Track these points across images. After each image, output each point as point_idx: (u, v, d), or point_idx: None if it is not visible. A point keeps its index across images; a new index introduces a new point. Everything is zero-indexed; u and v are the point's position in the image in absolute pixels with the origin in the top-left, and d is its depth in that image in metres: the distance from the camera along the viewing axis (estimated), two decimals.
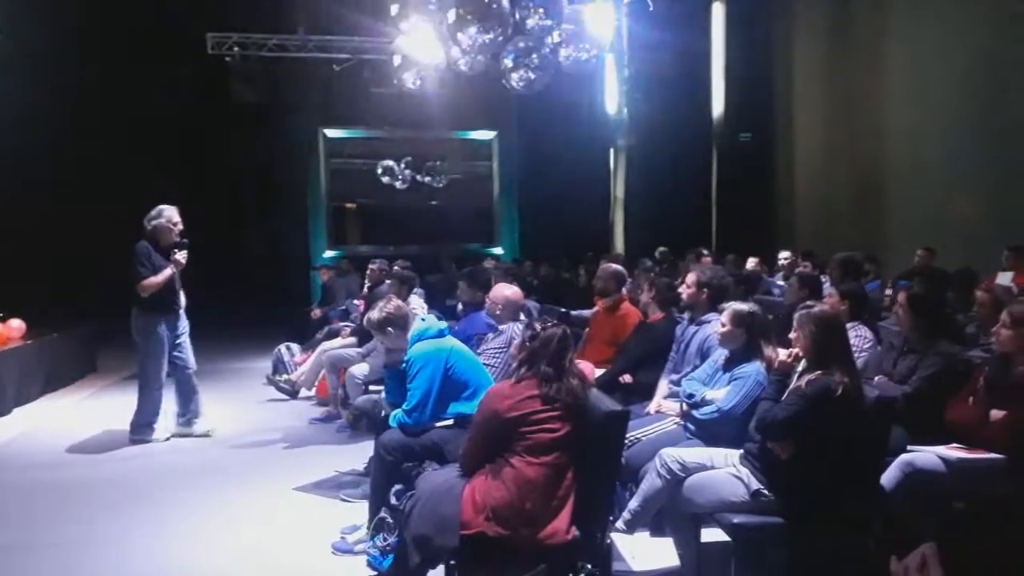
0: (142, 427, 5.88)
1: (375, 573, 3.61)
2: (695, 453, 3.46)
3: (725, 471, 3.29)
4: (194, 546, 4.03)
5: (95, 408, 7.33)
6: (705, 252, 10.58)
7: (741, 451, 3.36)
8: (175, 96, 12.08)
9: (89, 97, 11.74)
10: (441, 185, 14.64)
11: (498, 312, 4.89)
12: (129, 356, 9.39)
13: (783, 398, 3.20)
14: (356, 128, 14.49)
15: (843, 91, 12.30)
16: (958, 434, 3.50)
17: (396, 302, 4.15)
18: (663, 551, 3.34)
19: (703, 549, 3.24)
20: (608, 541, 3.10)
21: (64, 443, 6.01)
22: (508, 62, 7.44)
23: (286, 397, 7.48)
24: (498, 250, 14.63)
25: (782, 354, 3.36)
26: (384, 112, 13.09)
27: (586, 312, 6.41)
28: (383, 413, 4.17)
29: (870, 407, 3.18)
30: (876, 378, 3.96)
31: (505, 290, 4.98)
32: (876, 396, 3.34)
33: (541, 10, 6.99)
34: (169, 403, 6.09)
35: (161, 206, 5.80)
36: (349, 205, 14.99)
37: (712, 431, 3.62)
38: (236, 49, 11.80)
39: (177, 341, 5.91)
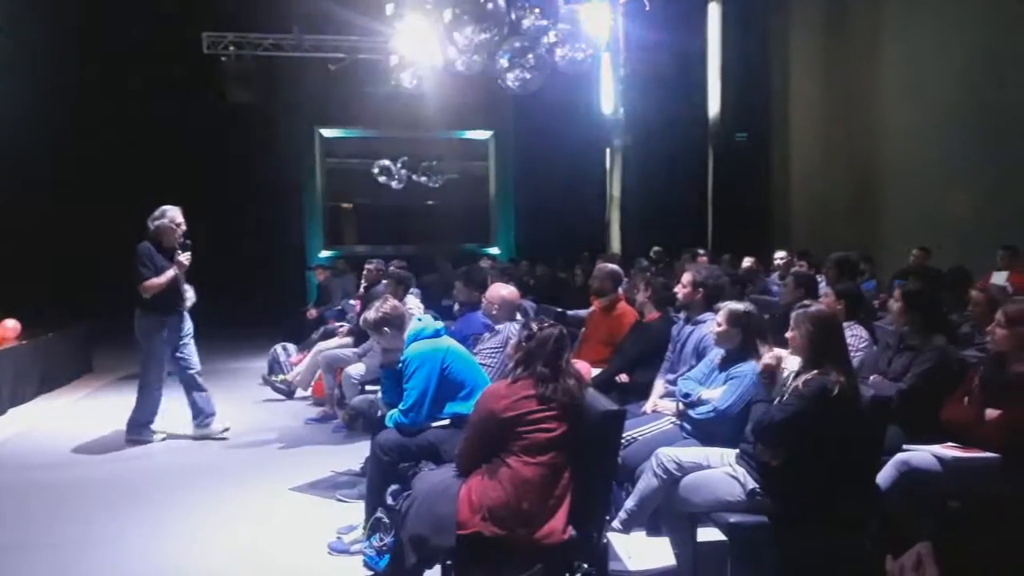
0: (139, 426, 5.87)
1: (371, 573, 3.61)
2: (691, 452, 3.46)
3: (721, 471, 3.29)
4: (190, 546, 4.02)
5: (91, 408, 7.32)
6: (701, 252, 10.60)
7: (737, 451, 3.36)
8: (170, 96, 12.05)
9: (85, 97, 11.72)
10: (437, 185, 14.62)
11: (494, 312, 4.90)
12: (125, 356, 9.41)
13: (781, 400, 3.21)
14: (352, 128, 14.49)
15: (839, 90, 12.32)
16: (953, 433, 3.51)
17: (392, 302, 4.15)
18: (659, 551, 3.35)
19: (699, 548, 3.24)
20: (604, 541, 3.10)
21: (60, 443, 6.00)
22: (504, 62, 7.43)
23: (282, 397, 7.46)
24: (494, 250, 14.63)
25: (765, 357, 3.37)
26: (380, 112, 13.07)
27: (582, 312, 6.41)
28: (379, 413, 4.17)
29: (866, 407, 3.18)
30: (871, 377, 3.97)
31: (501, 290, 4.99)
32: (872, 396, 3.34)
33: (537, 10, 6.99)
34: (170, 402, 6.06)
35: (164, 207, 5.78)
36: (345, 205, 14.98)
37: (708, 430, 3.63)
38: (231, 49, 11.77)
39: (181, 342, 5.88)
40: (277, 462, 5.51)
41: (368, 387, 5.62)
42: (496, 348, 4.56)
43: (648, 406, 4.27)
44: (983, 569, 1.79)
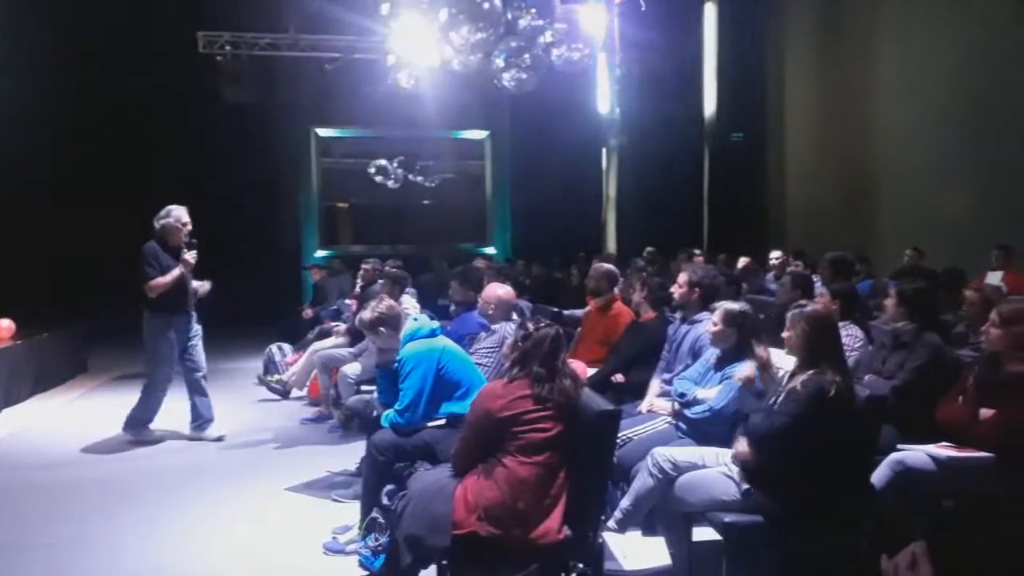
0: (138, 423, 5.83)
1: (367, 573, 3.60)
2: (687, 452, 3.47)
3: (716, 470, 3.30)
4: (186, 546, 4.01)
5: (86, 408, 7.30)
6: (697, 252, 10.61)
7: (732, 450, 3.36)
8: (165, 95, 12.02)
9: (82, 97, 11.68)
10: (433, 185, 14.60)
11: (491, 312, 4.90)
12: (120, 356, 9.40)
13: (777, 400, 3.21)
14: (348, 127, 14.46)
15: (835, 91, 12.35)
16: (948, 433, 3.52)
17: (388, 302, 4.15)
18: (655, 550, 3.35)
19: (694, 548, 3.25)
20: (600, 541, 3.10)
21: (54, 443, 5.99)
22: (499, 62, 7.43)
23: (277, 397, 7.45)
24: (491, 250, 14.62)
25: (744, 370, 3.37)
26: (376, 111, 13.05)
27: (578, 312, 6.42)
28: (375, 413, 4.17)
29: (861, 406, 3.19)
30: (866, 377, 3.98)
31: (498, 290, 4.99)
32: (867, 395, 3.35)
33: (533, 10, 6.99)
34: (168, 402, 6.04)
35: (170, 206, 5.77)
36: (341, 204, 14.96)
37: (703, 430, 3.63)
38: (227, 48, 11.75)
39: (189, 343, 5.86)
40: (273, 462, 5.50)
41: (364, 387, 5.63)
42: (492, 348, 4.56)
43: (644, 406, 4.27)
44: (977, 568, 1.79)
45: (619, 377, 4.79)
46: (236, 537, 4.13)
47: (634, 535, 3.49)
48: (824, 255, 6.42)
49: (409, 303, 6.11)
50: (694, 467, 3.37)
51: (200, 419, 5.96)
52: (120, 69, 11.71)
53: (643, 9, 11.11)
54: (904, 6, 10.70)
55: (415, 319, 4.12)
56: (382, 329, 4.00)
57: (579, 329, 5.62)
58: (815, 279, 6.17)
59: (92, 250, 11.14)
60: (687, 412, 3.73)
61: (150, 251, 5.63)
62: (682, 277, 4.57)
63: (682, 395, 3.79)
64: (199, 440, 5.92)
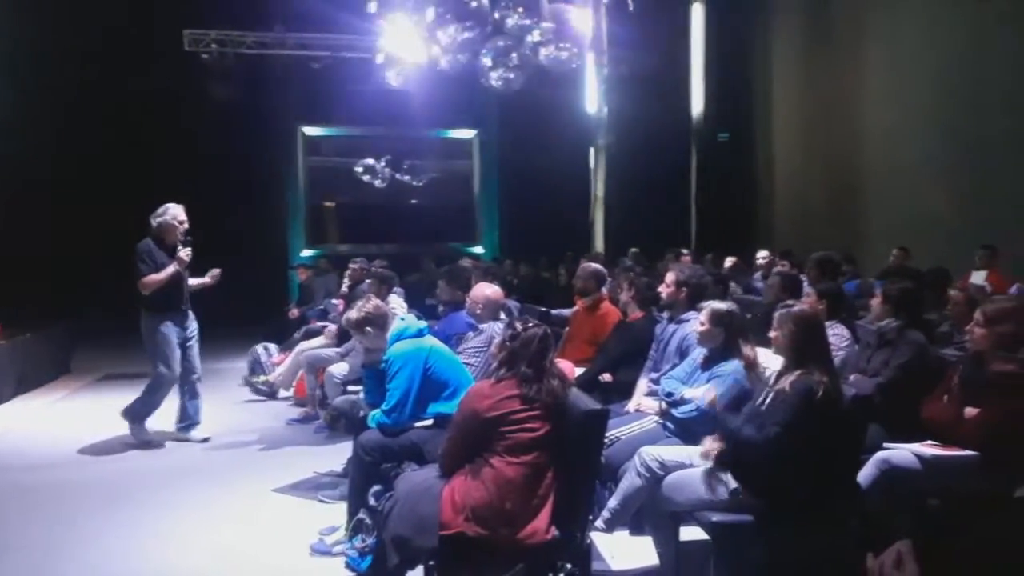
0: (136, 415, 5.76)
1: (353, 574, 3.59)
2: (674, 451, 3.47)
3: (704, 469, 3.30)
4: (171, 547, 3.99)
5: (69, 410, 7.24)
6: (684, 251, 10.64)
7: (701, 448, 3.37)
8: (150, 94, 11.93)
9: (69, 97, 11.59)
10: (421, 184, 14.59)
11: (479, 311, 4.89)
12: (104, 357, 9.33)
13: (764, 403, 3.22)
14: (334, 126, 14.42)
15: (821, 91, 12.41)
16: (933, 432, 3.54)
17: (375, 301, 4.13)
18: (642, 550, 3.35)
19: (682, 548, 3.25)
20: (588, 540, 3.10)
21: (38, 445, 5.94)
22: (487, 61, 7.43)
23: (263, 398, 7.42)
24: (478, 249, 14.61)
25: (707, 395, 3.36)
26: (363, 110, 13.01)
27: (566, 311, 6.42)
28: (362, 413, 4.15)
29: (847, 406, 3.20)
30: (852, 376, 4.00)
31: (486, 289, 4.98)
32: (853, 395, 3.37)
33: (520, 9, 6.98)
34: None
35: (167, 204, 5.74)
36: (328, 204, 14.91)
37: (691, 429, 3.63)
38: (213, 46, 11.69)
39: (187, 344, 5.82)
40: (259, 463, 5.47)
41: (351, 387, 5.62)
42: (479, 348, 4.55)
43: (631, 405, 4.28)
44: (962, 566, 1.80)
45: (607, 377, 4.79)
46: (222, 538, 4.10)
47: (622, 535, 3.49)
48: (810, 255, 6.45)
49: (396, 303, 6.09)
50: (681, 466, 3.37)
51: (187, 420, 5.92)
52: (105, 68, 11.62)
53: (631, 9, 11.14)
54: (890, 7, 10.77)
55: (402, 319, 4.11)
56: (369, 329, 3.98)
57: (567, 329, 5.62)
58: (802, 278, 6.19)
59: (77, 250, 11.06)
60: (674, 411, 3.74)
61: (144, 248, 5.61)
62: (669, 277, 4.58)
63: (669, 394, 3.80)
64: (184, 441, 5.88)
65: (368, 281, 6.77)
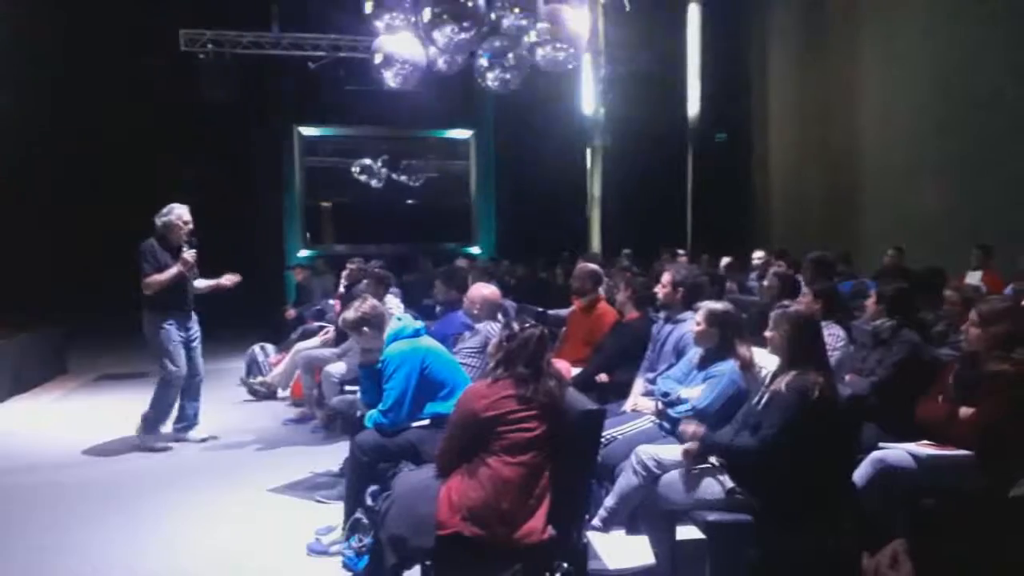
0: (152, 426, 5.73)
1: (350, 574, 3.59)
2: (671, 451, 3.47)
3: (700, 468, 3.31)
4: (168, 548, 3.98)
5: (65, 410, 7.22)
6: (680, 251, 10.65)
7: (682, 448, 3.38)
8: (147, 94, 11.92)
9: (62, 97, 11.56)
10: (417, 184, 14.58)
11: (476, 311, 4.89)
12: (101, 357, 9.32)
13: (760, 403, 3.23)
14: (331, 126, 14.40)
15: (817, 92, 12.44)
16: (928, 431, 3.56)
17: (372, 302, 4.13)
18: (639, 549, 3.35)
19: (678, 547, 3.26)
20: (584, 540, 3.11)
21: (34, 445, 5.93)
22: (484, 61, 7.43)
23: (252, 395, 7.42)
24: (475, 249, 14.61)
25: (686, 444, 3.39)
26: (359, 110, 13.00)
27: (563, 311, 6.42)
28: (358, 413, 4.15)
29: (843, 405, 3.21)
30: (847, 376, 4.02)
31: (483, 289, 4.98)
32: (848, 394, 3.38)
33: (516, 9, 6.98)
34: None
35: (172, 204, 5.72)
36: (324, 204, 14.90)
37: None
38: (209, 46, 11.66)
39: (190, 346, 5.80)
40: (255, 463, 5.47)
41: (347, 387, 5.62)
42: (476, 348, 4.55)
43: (628, 405, 4.28)
44: (957, 565, 1.81)
45: (603, 377, 4.79)
46: (219, 538, 4.10)
47: (618, 534, 3.49)
48: (807, 255, 6.46)
49: (393, 303, 6.08)
50: (678, 466, 3.38)
51: (185, 421, 5.91)
52: (99, 68, 11.60)
53: (628, 10, 11.15)
54: (885, 9, 10.80)
55: (399, 319, 4.11)
56: (366, 329, 3.98)
57: (564, 329, 5.62)
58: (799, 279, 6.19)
59: (74, 250, 11.04)
60: (671, 411, 3.74)
61: (147, 248, 5.58)
62: (666, 277, 4.59)
63: (666, 394, 3.80)
64: (182, 442, 5.87)
65: (365, 281, 6.76)
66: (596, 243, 13.36)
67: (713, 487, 3.22)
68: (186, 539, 4.11)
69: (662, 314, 4.68)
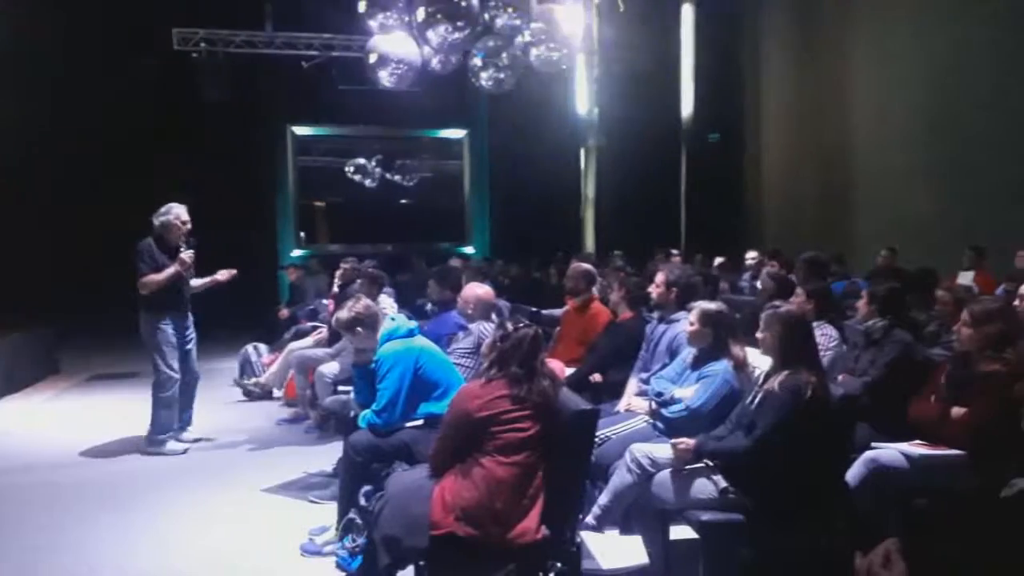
0: (158, 438, 5.66)
1: (344, 574, 3.58)
2: (665, 449, 3.48)
3: (694, 468, 3.31)
4: (161, 548, 3.97)
5: (57, 410, 7.19)
6: (674, 251, 10.67)
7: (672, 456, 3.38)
8: (139, 94, 11.87)
9: (57, 97, 11.51)
10: (411, 184, 14.57)
11: (469, 311, 4.89)
12: (93, 357, 9.28)
13: (754, 403, 3.23)
14: (325, 126, 14.37)
15: (811, 92, 12.48)
16: (920, 431, 3.57)
17: (365, 301, 4.12)
18: (632, 549, 3.35)
19: (671, 546, 3.26)
20: (578, 540, 3.11)
21: (25, 445, 5.90)
22: (477, 61, 7.43)
23: (246, 396, 7.40)
24: (469, 249, 14.60)
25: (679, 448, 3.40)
26: (353, 110, 12.97)
27: (556, 311, 6.43)
28: (352, 414, 4.14)
29: (836, 405, 3.22)
30: (840, 376, 4.03)
31: (477, 289, 4.98)
32: (841, 394, 3.39)
33: (510, 9, 6.99)
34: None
35: (170, 204, 5.69)
36: (318, 204, 14.87)
37: (681, 429, 3.64)
38: (202, 45, 11.61)
39: (186, 347, 5.78)
40: (249, 463, 5.46)
41: (341, 387, 5.61)
42: (469, 348, 4.55)
43: (621, 405, 4.29)
44: (949, 565, 1.81)
45: (597, 377, 4.80)
46: (212, 539, 4.09)
47: (612, 534, 3.50)
48: (800, 255, 6.48)
49: (387, 303, 6.07)
50: (672, 465, 3.38)
51: (179, 423, 5.88)
52: (86, 68, 11.54)
53: (621, 10, 11.16)
54: (878, 10, 10.83)
55: (392, 319, 4.10)
56: (359, 329, 3.98)
57: (557, 329, 5.62)
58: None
59: (67, 250, 10.99)
60: (664, 411, 3.75)
61: (144, 247, 5.55)
62: (659, 277, 4.59)
63: (659, 394, 3.81)
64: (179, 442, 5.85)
65: (359, 281, 6.76)
66: (590, 243, 13.37)
67: (707, 487, 3.23)
68: (179, 539, 4.09)
69: (656, 314, 4.69)
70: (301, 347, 6.98)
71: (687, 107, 13.01)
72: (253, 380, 7.53)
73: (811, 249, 6.86)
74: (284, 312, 9.28)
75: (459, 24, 6.53)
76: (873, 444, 3.56)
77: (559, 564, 3.02)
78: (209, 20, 11.60)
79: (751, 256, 9.15)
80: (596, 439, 3.40)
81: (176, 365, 5.66)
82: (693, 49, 12.82)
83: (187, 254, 5.61)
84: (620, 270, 7.93)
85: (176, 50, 11.50)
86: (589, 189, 13.52)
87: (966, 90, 9.12)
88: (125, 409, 6.73)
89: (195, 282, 5.84)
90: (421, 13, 6.56)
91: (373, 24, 7.69)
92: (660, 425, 3.80)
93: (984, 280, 7.32)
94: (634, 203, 13.14)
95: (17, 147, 10.79)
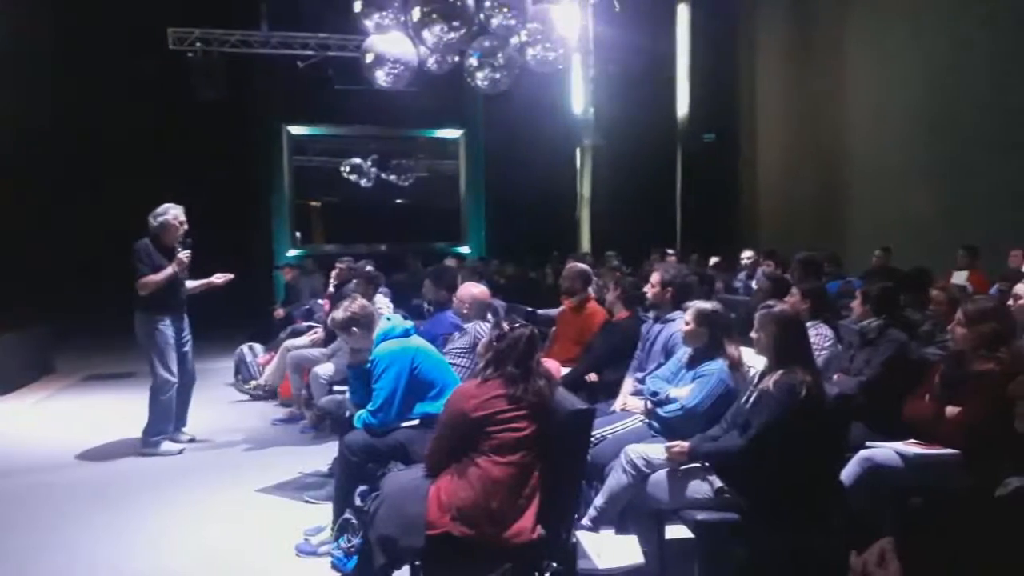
0: (153, 439, 5.63)
1: (339, 575, 3.58)
2: (660, 450, 3.48)
3: (689, 467, 3.32)
4: (156, 549, 3.96)
5: (52, 410, 7.18)
6: (670, 251, 10.69)
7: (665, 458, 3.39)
8: (134, 93, 11.84)
9: (54, 96, 11.48)
10: (407, 184, 14.56)
11: (465, 311, 4.89)
12: (89, 357, 9.26)
13: (748, 402, 3.24)
14: (321, 126, 14.36)
15: (806, 92, 12.50)
16: (915, 430, 3.58)
17: (361, 301, 4.12)
18: (628, 549, 3.36)
19: (667, 546, 3.27)
20: (574, 539, 3.11)
21: (20, 446, 5.88)
22: (473, 61, 7.43)
23: (248, 398, 7.40)
24: (465, 249, 14.60)
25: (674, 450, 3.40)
26: (349, 109, 12.96)
27: (552, 311, 6.43)
28: (347, 414, 4.14)
29: (830, 405, 3.23)
30: (835, 376, 4.04)
31: (472, 289, 4.98)
32: (836, 394, 3.39)
33: (506, 9, 6.99)
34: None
35: (167, 204, 5.65)
36: (313, 203, 14.85)
37: (676, 428, 3.65)
38: (198, 45, 11.59)
39: (182, 348, 5.75)
40: (244, 463, 5.45)
41: (336, 387, 5.60)
42: (465, 348, 4.54)
43: (617, 404, 4.29)
44: (944, 564, 1.82)
45: (592, 376, 4.80)
46: (207, 539, 4.08)
47: (607, 534, 3.49)
48: (795, 255, 6.50)
49: (382, 303, 6.07)
50: (667, 465, 3.38)
51: (174, 423, 5.87)
52: (81, 67, 11.52)
53: (617, 10, 11.17)
54: (874, 10, 10.86)
55: (388, 319, 4.10)
56: (355, 329, 3.97)
57: (553, 328, 5.62)
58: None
59: (62, 250, 10.96)
60: (660, 410, 3.75)
61: (142, 248, 5.52)
62: (655, 277, 4.60)
63: (655, 393, 3.81)
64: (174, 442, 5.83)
65: (354, 281, 6.75)
66: (586, 243, 13.39)
67: (702, 486, 3.23)
68: (174, 539, 4.09)
69: (651, 314, 4.69)
70: (297, 345, 6.96)
71: (683, 107, 13.04)
72: (253, 383, 7.52)
73: (807, 249, 6.88)
74: (280, 312, 9.26)
75: (455, 24, 6.53)
76: (868, 443, 3.57)
77: (555, 564, 3.02)
78: (204, 20, 11.58)
79: (747, 256, 9.16)
80: (592, 439, 3.40)
81: (174, 368, 5.64)
82: (689, 49, 12.85)
83: (184, 254, 5.59)
84: (616, 270, 7.95)
85: (172, 50, 11.48)
86: (585, 189, 13.54)
87: (964, 90, 9.14)
88: (120, 409, 6.71)
89: (190, 283, 5.82)
90: (417, 13, 6.56)
91: (369, 24, 7.69)
92: (656, 425, 3.80)
93: (978, 280, 7.34)
94: (630, 203, 13.15)
95: (12, 147, 10.77)
